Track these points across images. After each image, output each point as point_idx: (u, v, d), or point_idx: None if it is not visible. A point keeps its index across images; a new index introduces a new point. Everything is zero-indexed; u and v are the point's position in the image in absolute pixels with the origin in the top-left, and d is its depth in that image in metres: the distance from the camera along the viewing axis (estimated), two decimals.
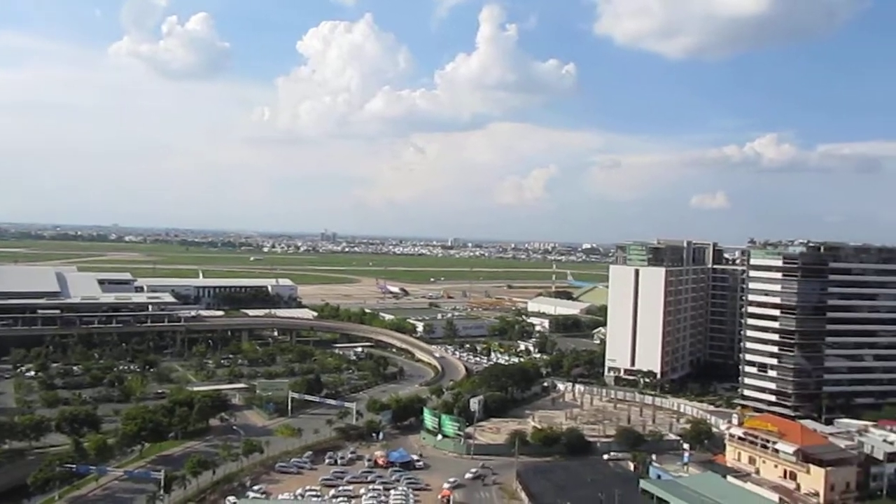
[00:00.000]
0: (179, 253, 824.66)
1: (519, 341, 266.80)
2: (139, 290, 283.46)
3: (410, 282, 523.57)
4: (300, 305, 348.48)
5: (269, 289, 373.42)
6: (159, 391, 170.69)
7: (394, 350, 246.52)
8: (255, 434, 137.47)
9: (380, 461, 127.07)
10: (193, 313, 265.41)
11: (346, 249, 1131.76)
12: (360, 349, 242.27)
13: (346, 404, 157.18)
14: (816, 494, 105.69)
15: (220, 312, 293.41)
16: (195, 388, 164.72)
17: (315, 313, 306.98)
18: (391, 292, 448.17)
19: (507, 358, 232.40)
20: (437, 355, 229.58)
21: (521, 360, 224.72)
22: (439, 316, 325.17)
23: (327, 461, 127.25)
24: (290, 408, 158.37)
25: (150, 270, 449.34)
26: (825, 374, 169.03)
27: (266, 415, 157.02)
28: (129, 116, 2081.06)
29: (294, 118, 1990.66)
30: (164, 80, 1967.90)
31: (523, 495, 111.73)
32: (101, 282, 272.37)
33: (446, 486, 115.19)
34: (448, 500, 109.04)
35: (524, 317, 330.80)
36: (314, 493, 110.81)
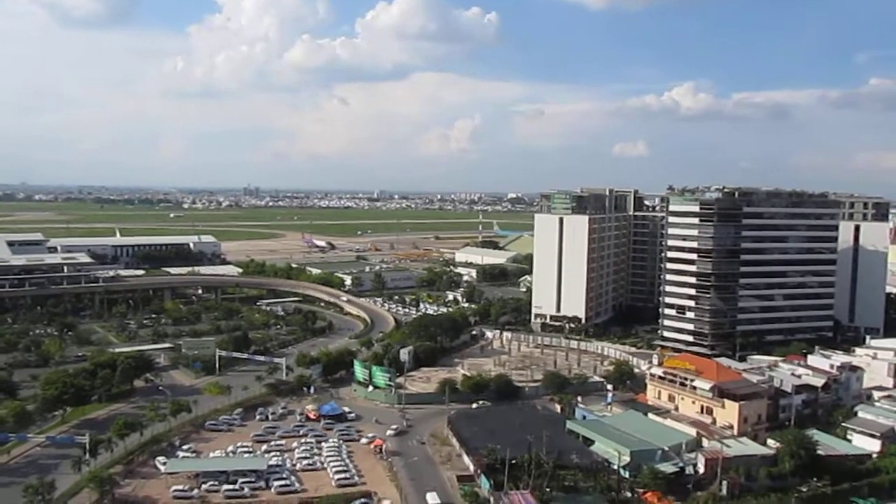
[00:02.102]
0: (94, 211, 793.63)
1: (447, 291, 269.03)
2: (52, 250, 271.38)
3: (337, 235, 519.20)
4: (224, 262, 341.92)
5: (191, 246, 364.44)
6: (79, 354, 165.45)
7: (322, 304, 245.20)
8: (182, 394, 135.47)
9: (311, 415, 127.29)
10: (112, 273, 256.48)
11: (270, 204, 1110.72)
12: (288, 304, 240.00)
13: (276, 360, 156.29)
14: (731, 427, 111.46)
15: (141, 272, 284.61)
16: (117, 350, 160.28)
17: (240, 270, 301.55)
18: (317, 246, 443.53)
19: (435, 308, 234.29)
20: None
21: (450, 309, 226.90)
22: (367, 269, 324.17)
23: (258, 417, 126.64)
24: (217, 366, 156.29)
25: (63, 230, 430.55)
26: (739, 314, 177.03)
27: (193, 374, 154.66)
28: (32, 68, 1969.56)
29: (210, 69, 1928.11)
30: (67, 29, 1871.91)
31: (454, 441, 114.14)
32: (10, 243, 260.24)
33: (389, 432, 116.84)
34: (381, 450, 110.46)
35: (452, 267, 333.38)
36: (246, 449, 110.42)
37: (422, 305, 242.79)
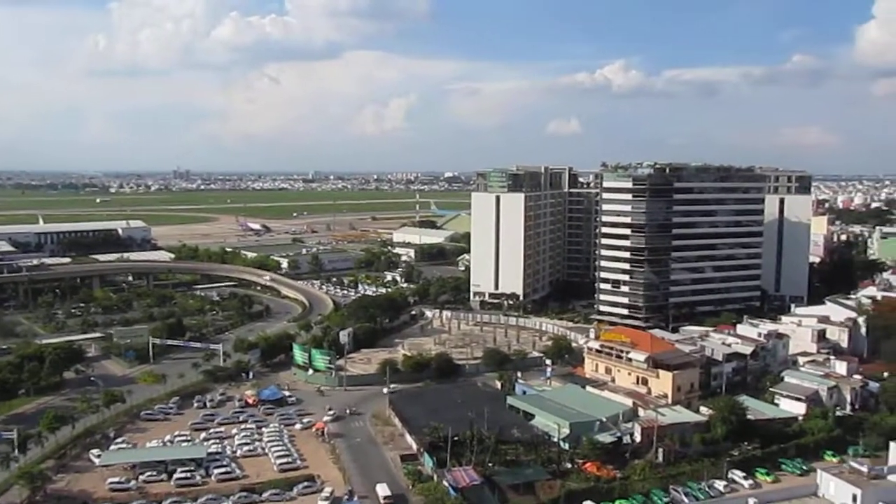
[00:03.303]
0: (15, 197, 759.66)
1: (386, 272, 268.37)
2: None
3: (272, 218, 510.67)
4: (155, 248, 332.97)
5: (120, 232, 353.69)
6: (3, 347, 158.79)
7: (258, 288, 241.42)
8: (115, 384, 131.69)
9: (250, 400, 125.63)
10: (36, 262, 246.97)
11: (202, 187, 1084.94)
12: (223, 289, 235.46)
13: (212, 346, 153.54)
14: (665, 396, 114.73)
15: (67, 259, 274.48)
16: (45, 342, 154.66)
17: (172, 255, 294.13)
18: (252, 229, 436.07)
19: (374, 289, 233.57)
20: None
21: (389, 290, 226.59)
22: (304, 251, 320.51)
23: (195, 405, 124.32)
24: (151, 354, 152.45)
25: None
26: (671, 287, 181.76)
27: (126, 363, 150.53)
28: None
29: (133, 47, 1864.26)
30: None
31: (396, 421, 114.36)
32: None
33: (326, 418, 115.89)
34: (323, 432, 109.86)
35: (390, 247, 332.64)
36: (184, 437, 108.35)
37: (360, 287, 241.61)
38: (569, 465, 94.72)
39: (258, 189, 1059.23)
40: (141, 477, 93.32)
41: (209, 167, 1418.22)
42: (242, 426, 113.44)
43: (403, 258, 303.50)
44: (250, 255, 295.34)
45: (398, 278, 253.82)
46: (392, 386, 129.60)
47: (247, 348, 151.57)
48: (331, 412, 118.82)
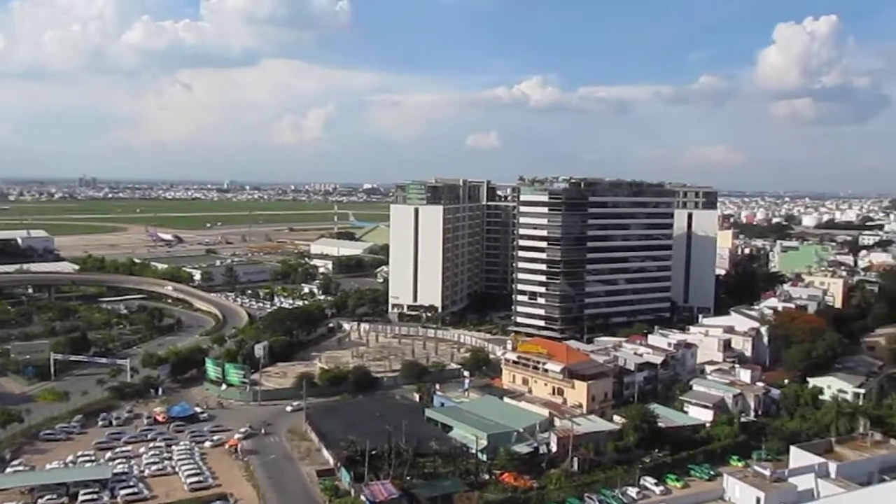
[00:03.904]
0: None
1: (303, 284, 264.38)
2: None
3: (185, 228, 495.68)
4: (58, 258, 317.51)
5: (19, 241, 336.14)
6: None
7: (169, 301, 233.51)
8: (12, 402, 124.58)
9: (159, 417, 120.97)
10: None
11: (110, 196, 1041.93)
12: (131, 302, 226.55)
13: (119, 361, 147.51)
14: (580, 406, 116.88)
15: None
16: None
17: (76, 266, 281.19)
18: (163, 240, 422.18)
19: (291, 301, 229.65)
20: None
21: (306, 302, 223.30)
22: (218, 262, 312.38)
23: (100, 423, 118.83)
24: (53, 370, 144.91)
25: None
26: (586, 299, 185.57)
27: (25, 380, 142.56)
28: None
29: (36, 49, 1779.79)
30: None
31: (313, 435, 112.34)
32: None
33: (238, 435, 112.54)
34: (237, 449, 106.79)
35: (307, 259, 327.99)
36: (87, 458, 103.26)
37: (276, 299, 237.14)
38: (486, 477, 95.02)
39: (170, 198, 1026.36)
40: (40, 501, 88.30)
41: (118, 175, 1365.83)
42: (151, 444, 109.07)
43: (321, 270, 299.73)
44: (161, 266, 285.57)
45: (316, 290, 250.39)
46: (295, 404, 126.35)
47: (156, 363, 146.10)
48: (242, 429, 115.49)
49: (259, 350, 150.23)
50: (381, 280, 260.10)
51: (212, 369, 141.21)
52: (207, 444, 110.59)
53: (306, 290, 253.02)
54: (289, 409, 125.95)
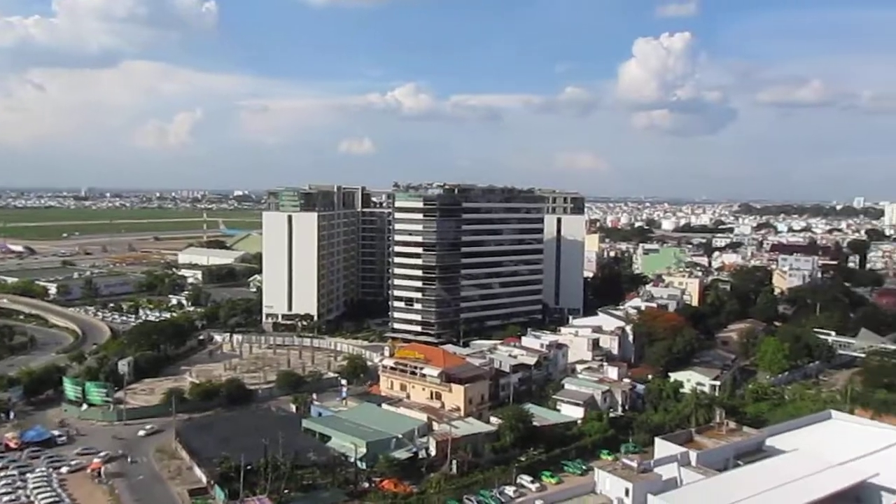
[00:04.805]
0: None
1: (170, 295, 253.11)
2: None
3: (37, 239, 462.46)
4: None
5: None
6: None
7: (21, 317, 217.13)
8: None
9: (12, 443, 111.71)
10: None
11: None
12: None
13: None
14: (458, 409, 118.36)
15: None
16: None
17: None
18: (13, 251, 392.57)
19: (158, 314, 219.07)
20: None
21: (174, 314, 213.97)
22: (76, 275, 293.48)
23: None
24: None
25: None
26: (462, 303, 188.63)
27: None
28: None
29: None
30: None
31: (184, 453, 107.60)
32: None
33: (96, 460, 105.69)
34: (99, 473, 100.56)
35: (175, 269, 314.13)
36: None
37: (142, 312, 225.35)
38: (366, 485, 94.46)
39: (21, 207, 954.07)
40: None
41: None
42: (2, 474, 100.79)
43: (190, 280, 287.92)
44: (10, 280, 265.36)
45: (184, 302, 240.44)
46: (148, 427, 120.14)
47: (7, 385, 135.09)
48: (103, 452, 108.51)
49: (123, 366, 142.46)
50: (254, 289, 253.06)
51: (71, 389, 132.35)
52: (65, 469, 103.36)
53: (174, 301, 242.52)
54: (141, 433, 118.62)
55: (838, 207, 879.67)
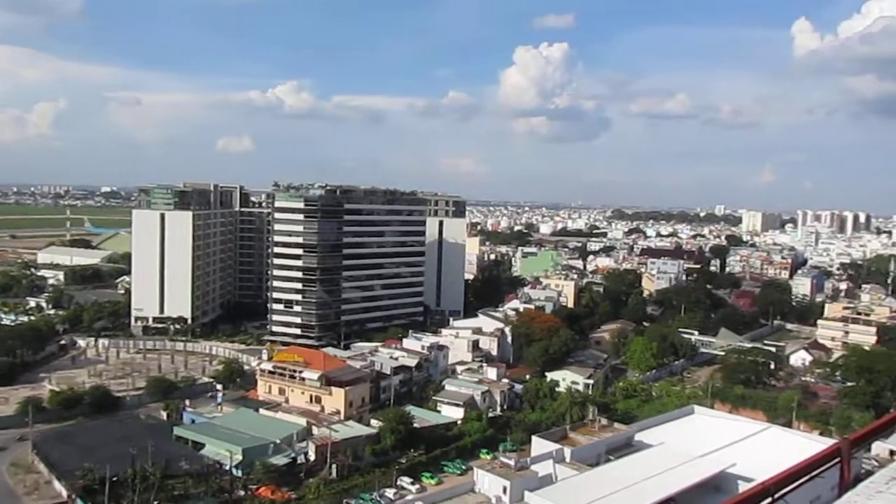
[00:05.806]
0: None
1: (28, 298, 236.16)
2: None
3: None
4: None
5: None
6: None
7: None
8: None
9: None
10: None
11: None
12: None
13: None
14: (338, 412, 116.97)
15: None
16: None
17: None
18: None
19: (13, 317, 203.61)
20: None
21: (32, 318, 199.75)
22: None
23: None
24: None
25: None
26: (343, 305, 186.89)
27: None
28: None
29: None
30: None
31: (42, 466, 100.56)
32: None
33: None
34: None
35: (33, 270, 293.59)
36: None
37: None
38: (242, 493, 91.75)
39: None
40: None
41: None
42: None
43: (51, 281, 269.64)
44: None
45: (44, 304, 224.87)
46: (36, 427, 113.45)
47: None
48: None
49: None
50: (122, 291, 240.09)
51: None
52: None
53: (32, 304, 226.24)
54: None
55: (702, 214, 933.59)
